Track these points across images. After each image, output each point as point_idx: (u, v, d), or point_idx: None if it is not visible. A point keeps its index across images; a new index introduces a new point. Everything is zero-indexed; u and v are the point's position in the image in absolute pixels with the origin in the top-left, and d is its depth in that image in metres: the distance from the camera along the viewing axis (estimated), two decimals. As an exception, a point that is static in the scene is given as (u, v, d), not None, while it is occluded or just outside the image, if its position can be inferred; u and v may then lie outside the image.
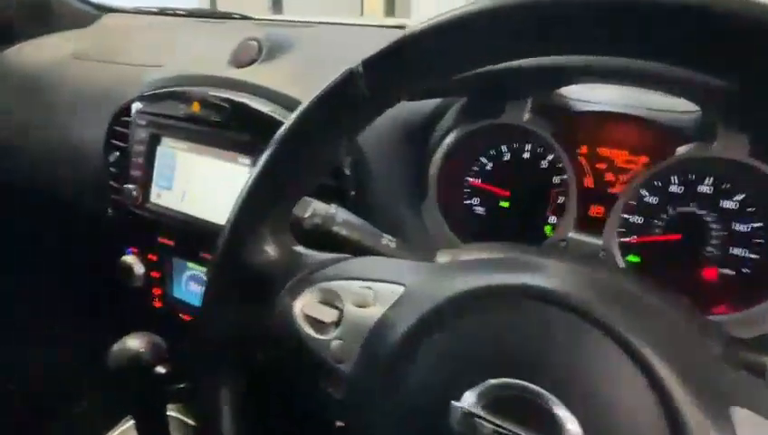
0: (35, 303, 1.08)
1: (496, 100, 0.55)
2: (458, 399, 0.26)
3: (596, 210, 0.56)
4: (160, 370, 0.57)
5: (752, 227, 0.48)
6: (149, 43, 0.96)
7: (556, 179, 0.57)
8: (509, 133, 0.57)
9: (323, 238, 0.46)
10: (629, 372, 0.25)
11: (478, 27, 0.28)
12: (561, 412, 0.25)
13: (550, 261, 0.33)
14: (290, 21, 1.17)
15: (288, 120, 0.35)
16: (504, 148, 0.60)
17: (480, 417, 0.25)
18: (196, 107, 0.63)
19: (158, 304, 0.72)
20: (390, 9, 4.24)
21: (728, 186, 0.49)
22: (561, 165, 0.56)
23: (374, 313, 0.31)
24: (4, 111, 0.97)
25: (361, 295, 0.32)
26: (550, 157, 0.57)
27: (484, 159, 0.61)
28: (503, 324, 0.28)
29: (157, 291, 0.71)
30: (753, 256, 0.48)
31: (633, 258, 0.54)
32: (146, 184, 0.68)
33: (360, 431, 0.31)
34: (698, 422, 0.23)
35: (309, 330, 0.33)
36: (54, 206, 0.90)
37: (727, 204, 0.49)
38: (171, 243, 0.68)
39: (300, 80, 0.62)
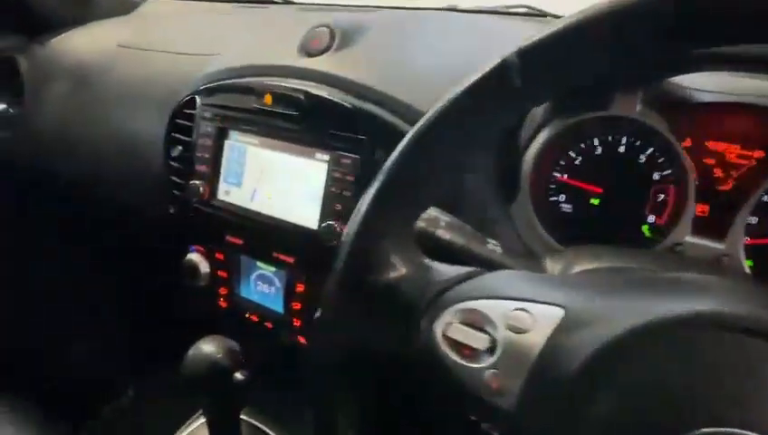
0: (95, 302, 1.07)
1: (604, 89, 0.50)
2: None
3: (702, 209, 0.52)
4: (239, 376, 0.55)
5: None
6: (199, 31, 0.93)
7: (656, 176, 0.53)
8: (611, 126, 0.53)
9: (427, 246, 0.42)
10: None
11: (664, 11, 0.24)
12: None
13: (718, 280, 0.30)
14: (336, 5, 1.12)
15: (424, 117, 0.31)
16: (596, 141, 0.55)
17: None
18: (268, 99, 0.60)
19: (223, 303, 0.69)
20: None
21: None
22: (662, 160, 0.52)
23: (535, 339, 0.28)
24: (50, 103, 0.94)
25: (515, 318, 0.29)
26: (649, 151, 0.53)
27: (572, 154, 0.57)
28: (696, 358, 0.25)
29: (223, 290, 0.69)
30: None
31: (748, 262, 0.50)
32: (213, 180, 0.65)
33: None
34: None
35: (455, 356, 0.29)
36: (109, 203, 0.87)
37: None
38: (240, 242, 0.65)
39: (380, 69, 0.58)
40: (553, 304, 0.29)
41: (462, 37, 0.67)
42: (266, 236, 0.62)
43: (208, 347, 0.55)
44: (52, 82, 0.94)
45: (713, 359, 0.25)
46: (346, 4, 1.15)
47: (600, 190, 0.56)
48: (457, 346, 0.30)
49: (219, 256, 0.67)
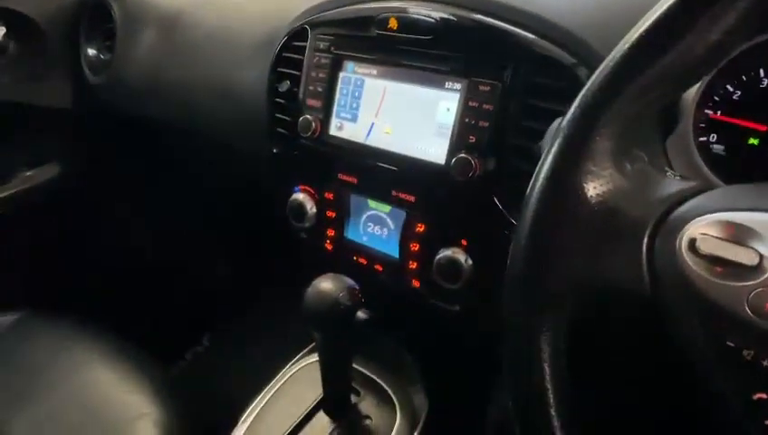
0: (196, 246, 1.08)
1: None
2: None
3: None
4: (361, 315, 0.53)
5: None
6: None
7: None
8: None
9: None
10: None
11: None
12: None
13: None
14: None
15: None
16: (762, 72, 0.48)
17: None
18: (393, 23, 0.55)
19: (329, 246, 0.67)
20: None
21: None
22: None
23: None
24: (143, 47, 0.93)
25: None
26: None
27: (730, 87, 0.50)
28: None
29: (330, 232, 0.66)
30: None
31: None
32: (325, 115, 0.62)
33: None
34: None
35: (711, 275, 0.25)
36: (206, 145, 0.87)
37: None
38: (354, 180, 0.62)
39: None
40: None
41: None
42: (384, 173, 0.58)
43: (329, 284, 0.53)
44: (144, 27, 0.93)
45: None
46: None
47: (763, 128, 0.50)
48: (711, 263, 0.25)
49: (329, 195, 0.65)
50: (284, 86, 0.66)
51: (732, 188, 0.28)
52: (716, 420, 0.28)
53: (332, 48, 0.61)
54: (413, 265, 0.59)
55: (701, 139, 0.53)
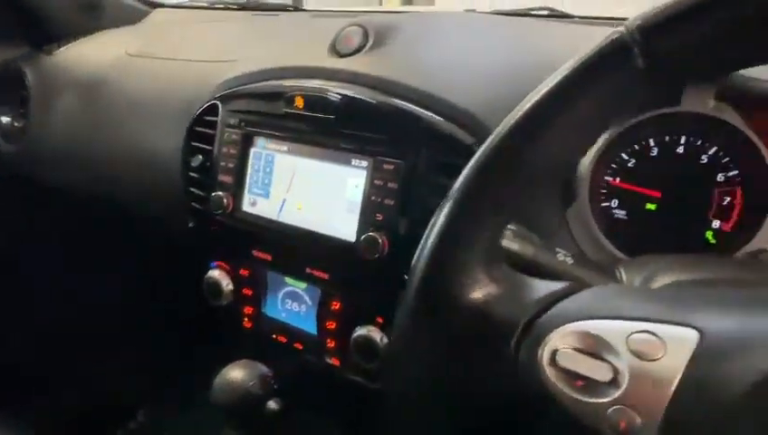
0: (110, 320, 1.02)
1: (674, 83, 0.46)
2: None
3: None
4: (273, 405, 0.50)
5: None
6: (211, 38, 0.90)
7: (720, 177, 0.49)
8: (673, 124, 0.49)
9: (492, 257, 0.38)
10: None
11: None
12: None
13: None
14: (344, 11, 1.09)
15: (522, 105, 0.27)
16: (651, 142, 0.51)
17: None
18: (299, 102, 0.55)
19: (248, 324, 0.64)
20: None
21: None
22: (727, 160, 0.47)
23: (671, 367, 0.23)
24: (59, 115, 0.90)
25: (641, 342, 0.24)
26: (712, 151, 0.48)
27: (625, 156, 0.53)
28: None
29: (247, 310, 0.63)
30: None
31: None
32: (237, 191, 0.61)
33: None
34: None
35: (569, 390, 0.25)
36: (123, 218, 0.83)
37: None
38: (268, 257, 0.60)
39: (420, 68, 0.54)
40: (683, 325, 0.24)
41: (493, 37, 0.64)
42: (297, 250, 0.57)
43: (239, 373, 0.50)
44: (60, 93, 0.90)
45: None
46: (359, 9, 1.12)
47: (657, 194, 0.52)
48: (571, 377, 0.25)
49: (244, 272, 0.62)
50: (197, 161, 0.64)
51: (603, 288, 0.28)
52: None
53: (243, 124, 0.60)
54: (331, 344, 0.57)
55: (603, 205, 0.55)
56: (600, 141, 0.50)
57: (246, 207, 0.61)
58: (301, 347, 0.61)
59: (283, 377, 0.54)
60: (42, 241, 1.04)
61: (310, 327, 0.59)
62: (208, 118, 0.64)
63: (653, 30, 0.23)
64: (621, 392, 0.24)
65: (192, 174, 0.66)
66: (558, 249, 0.40)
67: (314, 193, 0.56)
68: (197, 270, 0.66)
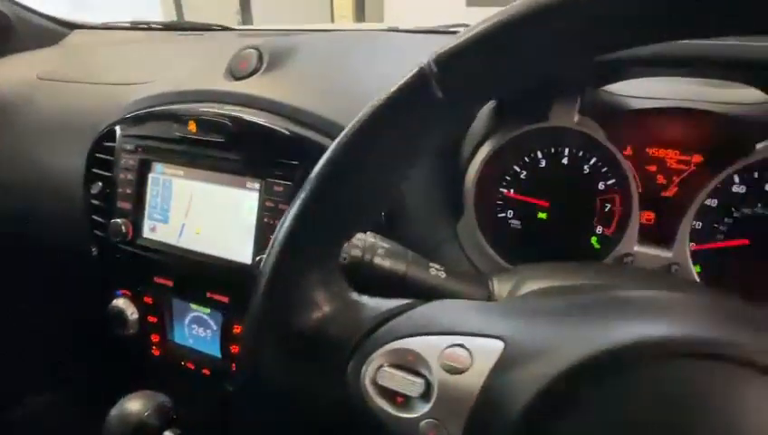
0: (17, 356, 0.97)
1: (542, 100, 0.49)
2: None
3: (648, 217, 0.50)
4: (169, 435, 0.49)
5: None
6: (130, 60, 0.88)
7: (601, 185, 0.52)
8: (552, 138, 0.51)
9: (361, 275, 0.39)
10: None
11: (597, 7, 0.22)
12: None
13: (667, 296, 0.27)
14: (272, 30, 1.09)
15: (340, 137, 0.28)
16: (539, 154, 0.54)
17: None
18: (192, 126, 0.55)
19: (156, 351, 0.63)
20: (361, 15, 4.19)
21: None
22: (605, 169, 0.50)
23: (474, 379, 0.24)
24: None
25: (450, 357, 0.25)
26: (593, 161, 0.51)
27: (517, 168, 0.55)
28: (650, 387, 0.22)
29: (155, 338, 0.62)
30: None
31: (696, 268, 0.49)
32: (137, 217, 0.60)
33: None
34: None
35: (387, 407, 0.25)
36: (30, 244, 0.80)
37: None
38: (170, 283, 0.59)
39: (312, 90, 0.55)
40: (491, 337, 0.25)
41: (398, 56, 0.66)
42: (198, 274, 0.56)
43: (135, 404, 0.49)
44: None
45: (665, 387, 0.22)
46: (289, 28, 1.13)
47: (546, 204, 0.55)
48: (390, 394, 0.26)
49: (148, 299, 0.61)
50: (97, 187, 0.63)
51: (434, 304, 0.29)
52: None
53: (140, 149, 0.59)
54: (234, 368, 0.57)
55: (500, 215, 0.57)
56: (481, 157, 0.52)
57: (146, 233, 0.60)
58: (208, 373, 0.60)
59: (188, 405, 0.53)
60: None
61: (216, 352, 0.58)
62: (107, 143, 0.63)
63: (445, 62, 0.24)
64: (431, 406, 0.24)
65: (93, 201, 0.64)
66: (431, 264, 0.42)
67: (212, 217, 0.56)
68: (103, 300, 0.64)
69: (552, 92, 0.49)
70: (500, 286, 0.42)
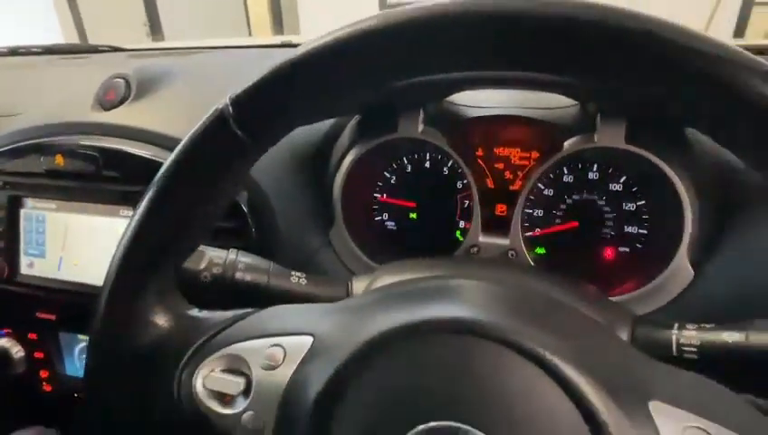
0: None
1: (389, 115, 0.54)
2: None
3: (501, 209, 0.57)
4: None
5: (637, 206, 0.51)
6: (5, 89, 0.85)
7: (459, 184, 0.58)
8: (407, 146, 0.57)
9: (226, 291, 0.42)
10: (546, 386, 0.24)
11: (363, 49, 0.26)
12: None
13: (458, 283, 0.32)
14: (167, 48, 1.09)
15: (162, 167, 0.31)
16: (405, 160, 0.59)
17: None
18: (59, 160, 0.55)
19: (47, 387, 0.62)
20: (279, 27, 4.17)
21: (612, 170, 0.52)
22: (461, 170, 0.56)
23: (285, 373, 0.28)
24: None
25: (269, 355, 0.29)
26: (449, 163, 0.57)
27: (387, 174, 0.60)
28: (419, 363, 0.27)
29: (43, 373, 0.61)
30: (643, 231, 0.52)
31: (540, 250, 0.56)
32: (11, 255, 0.59)
33: None
34: (617, 424, 0.23)
35: (215, 406, 0.29)
36: None
37: (614, 187, 0.52)
38: (53, 317, 0.59)
39: (179, 116, 0.57)
40: (303, 334, 0.30)
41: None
42: (80, 305, 0.57)
43: (19, 441, 0.49)
44: None
45: (436, 361, 0.26)
46: (177, 45, 1.12)
47: (413, 205, 0.60)
48: (216, 395, 0.29)
49: (32, 336, 0.60)
50: (-35, 228, 0.61)
51: (263, 312, 0.33)
52: None
53: (8, 186, 0.59)
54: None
55: (377, 219, 0.62)
56: (344, 168, 0.57)
57: (24, 269, 0.59)
58: (104, 401, 0.60)
59: (82, 435, 0.54)
60: None
61: (108, 379, 0.59)
62: (-26, 182, 0.61)
63: (241, 103, 0.28)
64: (249, 401, 0.28)
65: (-37, 242, 0.62)
66: (293, 273, 0.45)
67: (89, 247, 0.56)
68: (-15, 341, 0.62)
69: (397, 107, 0.54)
70: (357, 286, 0.46)
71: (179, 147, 0.30)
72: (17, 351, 0.61)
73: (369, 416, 0.26)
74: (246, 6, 4.22)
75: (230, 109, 0.29)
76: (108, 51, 1.09)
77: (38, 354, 0.61)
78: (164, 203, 0.31)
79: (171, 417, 0.30)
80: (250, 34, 4.39)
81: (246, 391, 0.29)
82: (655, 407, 0.24)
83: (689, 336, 0.35)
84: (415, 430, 0.24)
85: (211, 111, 0.29)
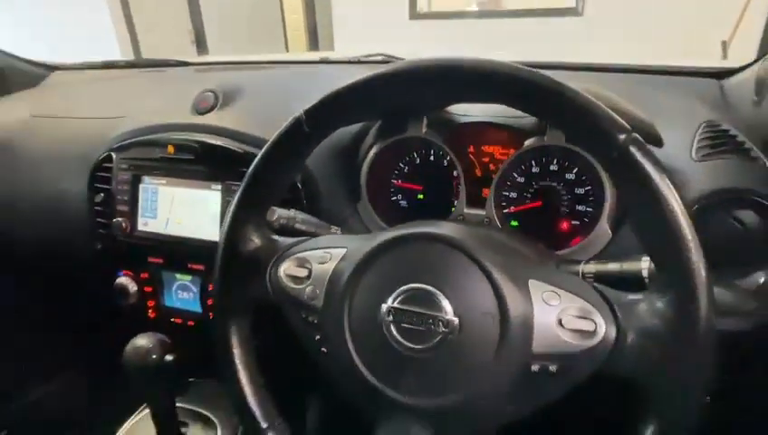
0: (42, 341, 1.17)
1: (401, 121, 0.76)
2: (387, 300, 0.45)
3: (485, 191, 0.78)
4: (169, 358, 0.73)
5: (586, 190, 0.71)
6: (104, 97, 1.10)
7: (454, 173, 0.79)
8: (414, 144, 0.78)
9: (290, 234, 0.64)
10: (482, 280, 0.45)
11: (382, 85, 0.48)
12: (442, 299, 0.44)
13: (444, 222, 0.53)
14: (222, 63, 1.33)
15: (259, 153, 0.53)
16: (414, 154, 0.81)
17: (398, 307, 0.45)
18: (171, 150, 0.79)
19: (152, 314, 0.86)
20: (314, 44, 4.49)
21: (567, 163, 0.71)
22: (454, 162, 0.77)
23: (330, 266, 0.50)
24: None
25: (322, 257, 0.51)
26: (448, 157, 0.79)
27: (401, 164, 0.82)
28: (408, 257, 0.48)
29: (150, 303, 0.85)
30: (589, 208, 0.72)
31: (514, 223, 0.76)
32: (132, 216, 0.83)
33: (330, 338, 0.49)
34: (511, 294, 0.44)
35: (291, 284, 0.51)
36: (42, 251, 1.01)
37: (569, 176, 0.72)
38: (160, 261, 0.83)
39: (253, 119, 0.80)
40: (341, 247, 0.52)
41: (324, 85, 0.92)
42: (181, 252, 0.81)
43: (143, 340, 0.72)
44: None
45: (418, 256, 0.48)
46: (232, 60, 1.37)
47: (420, 187, 0.81)
48: (292, 278, 0.52)
49: (144, 275, 0.84)
50: (99, 198, 0.86)
51: (320, 238, 0.55)
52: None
53: (132, 167, 0.83)
54: (212, 316, 0.81)
55: (392, 199, 0.83)
56: (369, 158, 0.78)
57: (140, 227, 0.83)
58: (192, 324, 0.84)
59: (177, 338, 0.76)
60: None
61: (196, 308, 0.83)
62: (106, 165, 0.86)
63: (310, 113, 0.50)
64: (310, 280, 0.50)
65: (97, 208, 0.87)
66: (332, 227, 0.68)
67: (188, 211, 0.80)
68: (108, 281, 0.87)
69: (407, 116, 0.76)
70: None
71: (271, 139, 0.52)
72: (132, 286, 0.85)
73: (375, 283, 0.47)
74: (284, 24, 4.54)
75: (304, 117, 0.51)
76: (176, 65, 1.34)
77: (147, 289, 0.85)
78: (258, 176, 0.53)
79: (263, 295, 0.53)
80: (287, 49, 4.72)
81: (308, 277, 0.51)
82: (531, 283, 0.45)
83: (589, 268, 0.55)
84: (401, 287, 0.46)
85: (291, 118, 0.52)
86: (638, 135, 0.41)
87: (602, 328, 0.42)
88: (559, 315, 0.43)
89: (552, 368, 0.43)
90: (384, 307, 0.46)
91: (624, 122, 0.41)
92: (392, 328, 0.45)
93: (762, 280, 0.57)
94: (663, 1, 3.20)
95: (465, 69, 0.43)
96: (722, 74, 0.81)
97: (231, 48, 4.02)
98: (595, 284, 0.46)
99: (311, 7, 4.43)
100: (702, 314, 0.38)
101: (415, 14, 3.86)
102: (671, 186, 0.41)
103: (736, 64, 0.80)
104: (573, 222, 0.73)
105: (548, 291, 0.44)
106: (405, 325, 0.45)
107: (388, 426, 0.47)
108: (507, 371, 0.43)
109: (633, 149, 0.41)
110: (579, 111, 0.42)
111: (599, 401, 0.44)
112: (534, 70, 0.42)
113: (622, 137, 0.41)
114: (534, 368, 0.43)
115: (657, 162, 0.41)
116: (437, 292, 0.45)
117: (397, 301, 0.45)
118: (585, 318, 0.42)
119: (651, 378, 0.41)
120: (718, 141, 0.65)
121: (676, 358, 0.39)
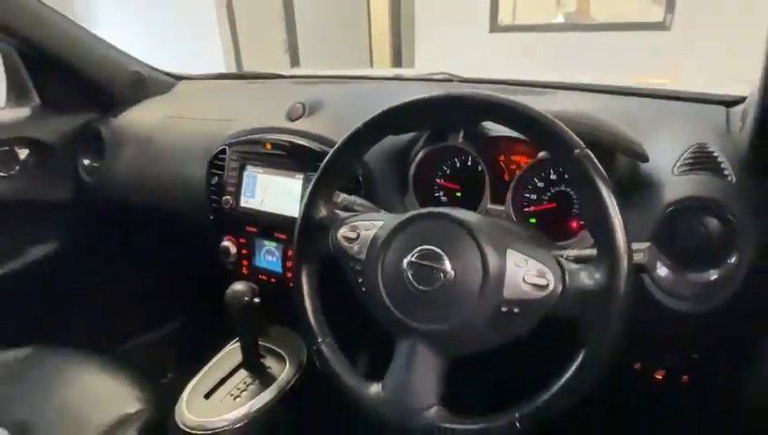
0: (157, 287, 1.53)
1: (443, 133, 0.96)
2: (407, 256, 0.66)
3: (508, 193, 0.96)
4: (257, 300, 0.98)
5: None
6: (221, 103, 1.39)
7: (486, 177, 0.97)
8: (453, 151, 0.98)
9: (346, 210, 0.87)
10: (473, 247, 0.64)
11: (425, 108, 0.69)
12: (444, 257, 0.64)
13: (457, 208, 0.73)
14: (313, 76, 1.60)
15: (328, 154, 0.76)
16: (455, 160, 1.00)
17: (414, 261, 0.65)
18: (268, 146, 1.06)
19: (245, 271, 1.13)
20: (398, 59, 4.81)
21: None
22: (484, 168, 0.96)
23: (372, 232, 0.71)
24: (125, 156, 1.40)
25: (367, 226, 0.73)
26: (478, 163, 0.97)
27: (444, 167, 1.02)
28: (425, 228, 0.68)
29: (245, 262, 1.12)
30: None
31: (532, 220, 0.93)
32: (237, 195, 1.11)
33: (369, 282, 0.70)
34: (496, 261, 0.63)
35: (345, 243, 0.73)
36: (166, 219, 1.32)
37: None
38: (255, 230, 1.09)
39: (331, 127, 1.04)
40: (380, 220, 0.73)
41: (394, 99, 1.14)
42: (270, 224, 1.06)
43: (239, 285, 0.98)
44: (125, 143, 1.40)
45: (434, 228, 0.68)
46: (319, 74, 1.63)
47: (457, 187, 1.01)
48: (346, 238, 0.74)
49: (242, 240, 1.12)
50: (214, 180, 1.14)
51: (373, 214, 0.77)
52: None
53: (240, 158, 1.11)
54: (289, 275, 1.06)
55: (435, 195, 1.04)
56: (416, 160, 0.99)
57: (243, 203, 1.10)
58: (275, 281, 1.10)
59: (262, 291, 1.02)
60: (109, 244, 1.55)
61: (278, 268, 1.08)
62: (221, 156, 1.14)
63: (368, 124, 0.72)
64: (358, 241, 0.72)
65: (212, 188, 1.16)
66: (382, 210, 0.90)
67: (278, 193, 1.06)
68: (215, 243, 1.15)
69: (448, 128, 0.96)
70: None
71: (338, 143, 0.75)
72: (233, 248, 1.12)
73: (400, 245, 0.68)
74: (371, 43, 4.91)
75: (362, 128, 0.73)
76: (275, 77, 1.62)
77: (243, 251, 1.12)
78: (328, 169, 0.76)
79: (326, 249, 0.76)
80: (371, 66, 5.09)
81: (357, 238, 0.72)
82: (509, 252, 0.63)
83: (571, 252, 0.72)
84: (417, 248, 0.66)
85: (353, 128, 0.74)
86: (588, 151, 0.59)
87: (552, 284, 0.60)
88: (523, 274, 0.61)
89: (516, 310, 0.61)
90: (405, 261, 0.66)
91: (579, 140, 0.59)
92: (410, 275, 0.66)
93: (713, 277, 0.71)
94: (753, 18, 3.10)
95: (465, 100, 0.63)
96: (731, 102, 0.92)
97: (321, 61, 4.43)
98: (559, 258, 0.64)
99: (396, 27, 4.73)
100: (620, 282, 0.55)
101: (496, 27, 3.98)
102: (610, 189, 0.58)
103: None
104: (581, 221, 0.89)
105: (519, 258, 0.63)
106: (418, 274, 0.65)
107: (404, 344, 0.67)
108: (485, 309, 0.62)
109: (585, 161, 0.59)
110: (546, 130, 0.60)
111: (550, 335, 0.61)
112: (515, 101, 0.62)
113: (577, 151, 0.59)
114: (504, 309, 0.61)
115: (600, 171, 0.58)
116: (442, 253, 0.65)
117: (414, 257, 0.66)
118: (542, 277, 0.60)
119: (583, 318, 0.58)
120: (699, 160, 0.78)
121: (600, 306, 0.56)
